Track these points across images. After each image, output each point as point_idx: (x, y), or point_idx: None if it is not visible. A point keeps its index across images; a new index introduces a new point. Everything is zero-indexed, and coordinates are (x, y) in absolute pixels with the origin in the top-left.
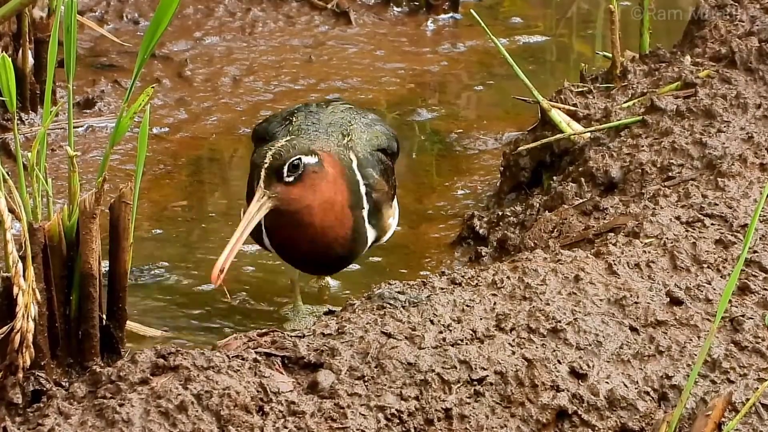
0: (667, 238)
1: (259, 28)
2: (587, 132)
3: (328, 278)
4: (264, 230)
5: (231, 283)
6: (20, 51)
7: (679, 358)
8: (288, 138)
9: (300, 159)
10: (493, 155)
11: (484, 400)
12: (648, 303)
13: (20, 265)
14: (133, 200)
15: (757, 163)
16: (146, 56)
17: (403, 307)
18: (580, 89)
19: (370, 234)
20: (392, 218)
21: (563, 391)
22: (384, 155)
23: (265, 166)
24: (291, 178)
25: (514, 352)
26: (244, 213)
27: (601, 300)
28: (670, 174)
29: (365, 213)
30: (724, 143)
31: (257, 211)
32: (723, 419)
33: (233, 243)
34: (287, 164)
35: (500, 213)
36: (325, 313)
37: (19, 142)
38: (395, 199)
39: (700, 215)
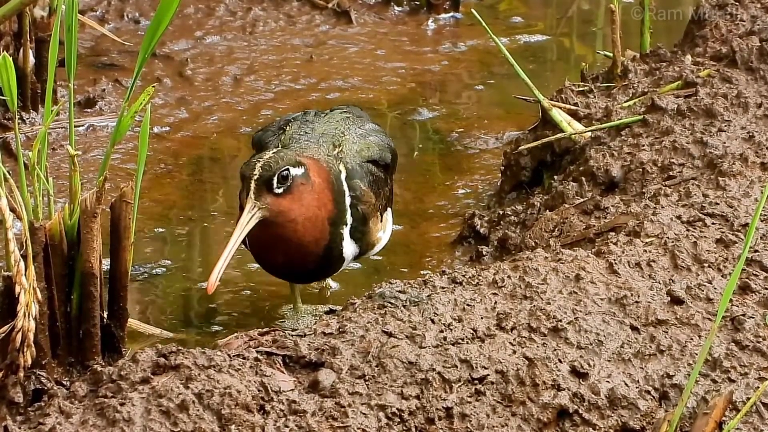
0: (668, 238)
1: (260, 27)
2: (588, 131)
3: (328, 279)
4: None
5: (233, 281)
6: (21, 50)
7: (680, 357)
8: (276, 150)
9: (288, 170)
10: (494, 154)
11: (485, 399)
12: (649, 302)
13: (21, 264)
14: (134, 199)
15: (758, 162)
16: (147, 55)
17: (404, 306)
18: (580, 88)
19: (350, 249)
20: (382, 231)
21: (564, 390)
22: (375, 167)
23: (255, 177)
24: (281, 190)
25: (515, 351)
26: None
27: (602, 299)
28: (671, 173)
29: (346, 230)
30: (724, 142)
31: (248, 222)
32: (724, 418)
33: (226, 255)
34: (277, 175)
35: (501, 212)
36: (326, 313)
37: (20, 141)
38: (388, 212)
39: (701, 214)
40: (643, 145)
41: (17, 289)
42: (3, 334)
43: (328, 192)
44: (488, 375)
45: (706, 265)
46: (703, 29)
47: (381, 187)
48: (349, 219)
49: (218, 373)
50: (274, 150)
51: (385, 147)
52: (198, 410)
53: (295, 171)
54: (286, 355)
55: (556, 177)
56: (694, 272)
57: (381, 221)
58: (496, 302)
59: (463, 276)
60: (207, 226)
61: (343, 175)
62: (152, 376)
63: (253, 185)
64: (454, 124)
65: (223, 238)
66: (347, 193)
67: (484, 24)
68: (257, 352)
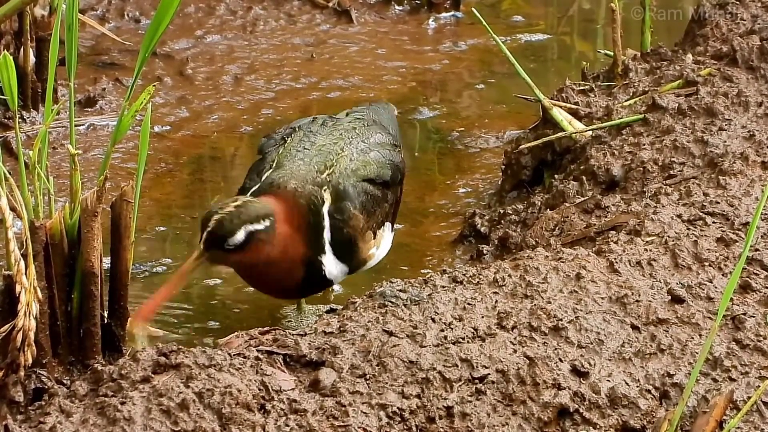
0: (668, 236)
1: (261, 26)
2: (589, 130)
3: None
4: None
5: (235, 280)
6: (22, 49)
7: (680, 356)
8: (240, 202)
9: (244, 229)
10: (495, 153)
11: (486, 398)
12: (649, 301)
13: (22, 263)
14: (134, 198)
15: (758, 161)
16: (147, 55)
17: (405, 305)
18: (581, 87)
19: (337, 269)
20: (375, 248)
21: (565, 389)
22: (371, 185)
23: (208, 230)
24: (232, 247)
25: (515, 351)
26: None
27: (602, 298)
28: (671, 172)
29: (326, 256)
30: (725, 141)
31: (192, 270)
32: (724, 417)
33: (161, 295)
34: (230, 235)
35: (502, 211)
36: (327, 312)
37: (20, 140)
38: (385, 227)
39: (701, 213)
40: (644, 144)
41: (18, 288)
42: (4, 333)
43: (297, 234)
44: (489, 374)
45: (706, 264)
46: (703, 28)
47: (377, 205)
48: (328, 248)
49: (219, 372)
50: (239, 202)
51: (385, 164)
52: (198, 409)
53: (254, 227)
54: (287, 354)
55: (556, 176)
56: (694, 271)
57: (374, 238)
58: (496, 301)
59: (464, 275)
60: None
61: (326, 207)
62: (153, 375)
63: (205, 235)
64: (455, 123)
65: None
66: (327, 224)
67: (484, 23)
68: (258, 351)
